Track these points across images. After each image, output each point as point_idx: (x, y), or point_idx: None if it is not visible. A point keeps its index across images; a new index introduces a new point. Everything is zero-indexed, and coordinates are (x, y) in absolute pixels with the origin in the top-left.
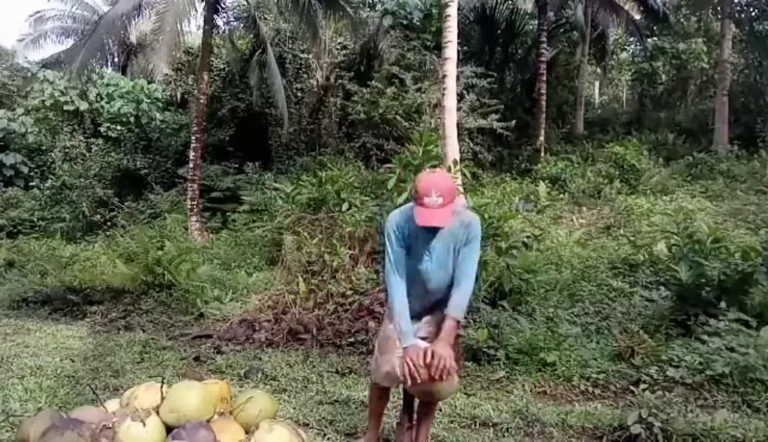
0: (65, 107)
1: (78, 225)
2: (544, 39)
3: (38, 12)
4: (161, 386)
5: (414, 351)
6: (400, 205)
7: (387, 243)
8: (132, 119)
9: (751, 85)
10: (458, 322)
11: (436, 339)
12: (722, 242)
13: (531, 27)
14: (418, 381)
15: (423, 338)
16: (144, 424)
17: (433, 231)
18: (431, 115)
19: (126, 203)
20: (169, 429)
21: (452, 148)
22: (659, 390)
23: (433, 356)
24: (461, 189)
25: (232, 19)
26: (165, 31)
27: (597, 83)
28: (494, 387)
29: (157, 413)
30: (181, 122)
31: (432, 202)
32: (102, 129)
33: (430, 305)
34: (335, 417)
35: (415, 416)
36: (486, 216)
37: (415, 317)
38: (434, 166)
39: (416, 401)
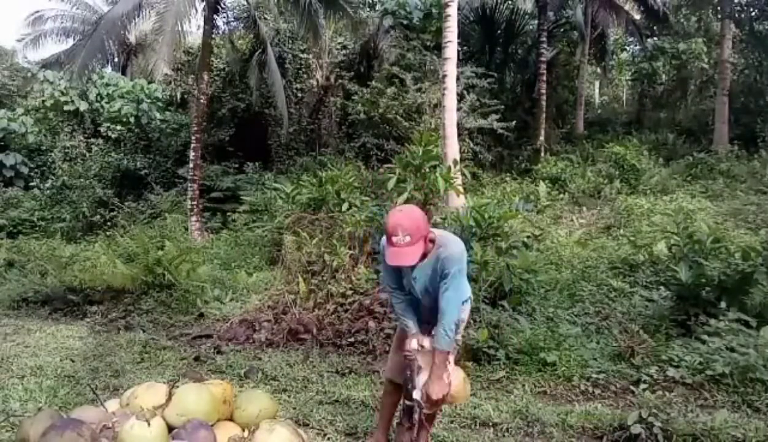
0: (65, 107)
1: (78, 225)
2: (544, 39)
3: (37, 12)
4: (170, 388)
5: (413, 339)
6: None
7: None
8: (132, 119)
9: (751, 85)
10: (447, 352)
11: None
12: (722, 242)
13: (531, 27)
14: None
15: None
16: (149, 424)
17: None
18: (431, 115)
19: (126, 203)
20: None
21: (452, 149)
22: (659, 390)
23: (428, 397)
24: (461, 189)
25: (232, 19)
26: (165, 31)
27: (597, 83)
28: (494, 387)
29: (162, 413)
30: (181, 122)
31: (399, 241)
32: (102, 129)
33: (436, 314)
34: (335, 417)
35: (416, 416)
36: (486, 216)
37: (430, 322)
38: (434, 167)
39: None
